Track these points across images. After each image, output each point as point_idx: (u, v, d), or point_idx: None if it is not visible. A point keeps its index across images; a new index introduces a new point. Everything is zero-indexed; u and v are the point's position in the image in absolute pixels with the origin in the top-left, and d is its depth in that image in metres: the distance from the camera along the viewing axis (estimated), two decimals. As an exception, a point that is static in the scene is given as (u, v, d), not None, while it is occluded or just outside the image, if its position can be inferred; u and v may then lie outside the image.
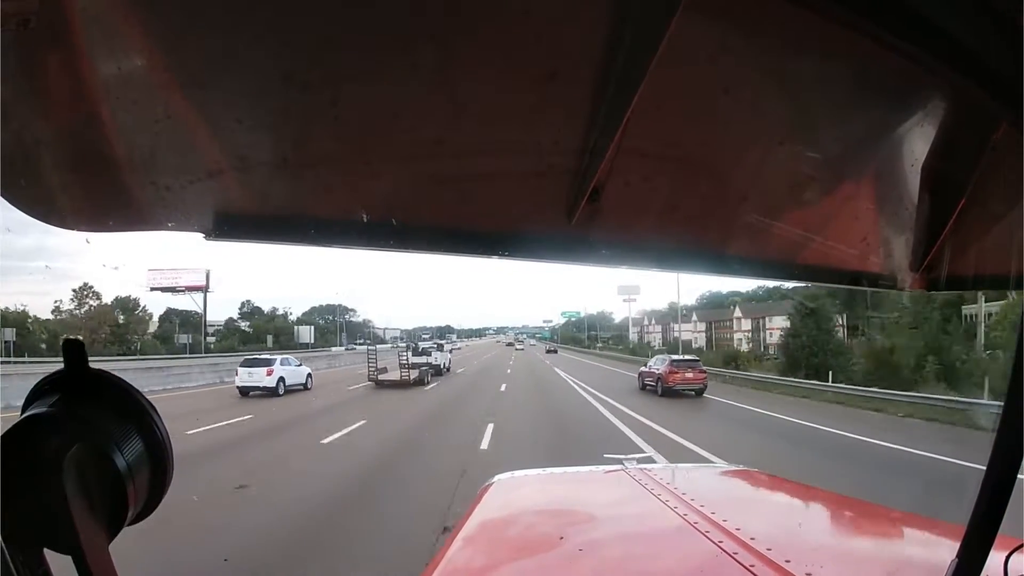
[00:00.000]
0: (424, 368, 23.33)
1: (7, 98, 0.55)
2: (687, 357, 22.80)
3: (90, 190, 0.69)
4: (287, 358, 22.72)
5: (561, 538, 1.45)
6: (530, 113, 0.67)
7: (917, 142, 0.76)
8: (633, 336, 77.32)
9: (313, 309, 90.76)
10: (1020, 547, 0.85)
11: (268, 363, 20.40)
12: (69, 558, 0.43)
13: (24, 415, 0.47)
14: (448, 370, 28.08)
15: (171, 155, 0.66)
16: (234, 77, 0.60)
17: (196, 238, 0.73)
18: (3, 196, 0.63)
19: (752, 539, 1.27)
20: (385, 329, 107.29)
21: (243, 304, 74.12)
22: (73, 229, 0.71)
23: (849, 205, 0.87)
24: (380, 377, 22.47)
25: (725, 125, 0.72)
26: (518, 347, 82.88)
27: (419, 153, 0.70)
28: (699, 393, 19.76)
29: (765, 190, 0.82)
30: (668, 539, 1.44)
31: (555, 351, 71.81)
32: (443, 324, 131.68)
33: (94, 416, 0.48)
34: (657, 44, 0.54)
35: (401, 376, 21.91)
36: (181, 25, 0.54)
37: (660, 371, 20.47)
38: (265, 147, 0.68)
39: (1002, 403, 0.66)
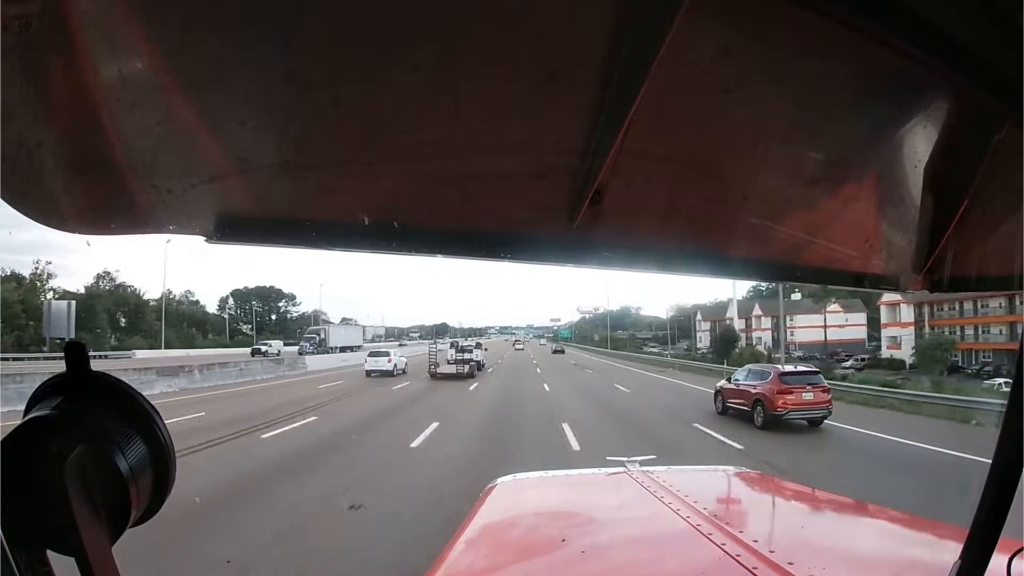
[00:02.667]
0: (472, 364, 28.12)
1: (8, 100, 0.55)
2: (803, 368, 15.24)
3: (91, 193, 0.69)
4: (396, 350, 34.32)
5: (563, 540, 1.45)
6: (531, 114, 0.67)
7: (920, 143, 0.76)
8: (702, 335, 63.16)
9: (235, 293, 72.98)
10: (1022, 550, 0.84)
11: (387, 354, 30.78)
12: (72, 560, 0.43)
13: (27, 417, 0.48)
14: (483, 366, 32.68)
15: (172, 158, 0.66)
16: (235, 80, 0.60)
17: (197, 241, 0.74)
18: (4, 198, 0.63)
19: (755, 541, 1.27)
20: (365, 327, 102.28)
21: (100, 276, 57.17)
22: (74, 232, 0.71)
23: (852, 206, 0.87)
24: (438, 371, 27.09)
25: (727, 126, 0.71)
26: (517, 347, 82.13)
27: (420, 154, 0.70)
28: (814, 424, 13.14)
29: (768, 191, 0.82)
30: (671, 542, 1.44)
31: (562, 351, 70.26)
32: (439, 322, 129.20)
33: (96, 418, 0.49)
34: (659, 45, 0.54)
35: (457, 370, 26.92)
36: (182, 27, 0.54)
37: (760, 389, 13.38)
38: (267, 149, 0.68)
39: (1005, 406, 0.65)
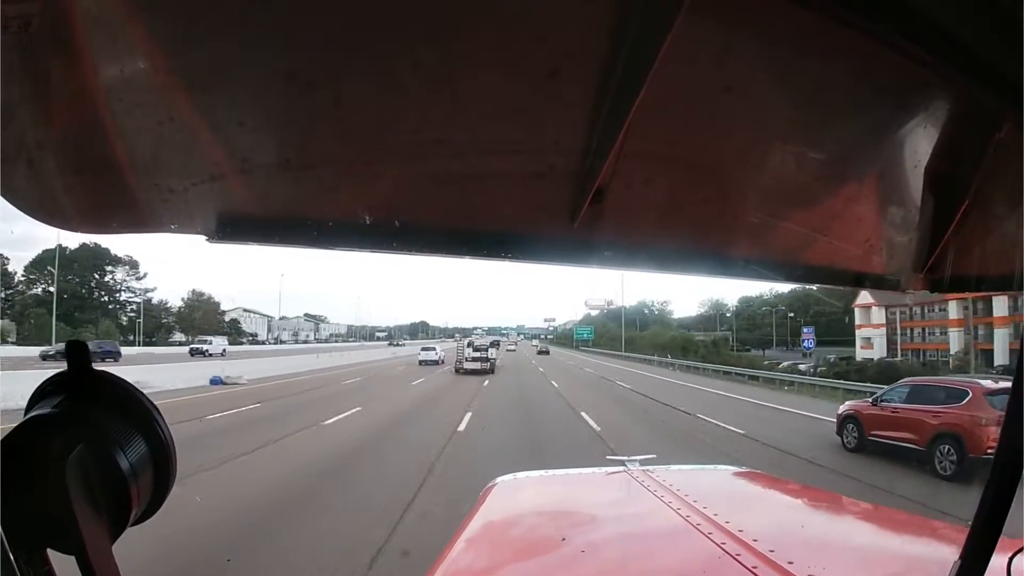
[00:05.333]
0: (492, 360, 33.95)
1: (10, 100, 0.55)
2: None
3: (93, 192, 0.69)
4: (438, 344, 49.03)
5: (563, 539, 1.45)
6: (532, 113, 0.67)
7: (920, 142, 0.76)
8: (870, 335, 38.57)
9: (49, 255, 45.07)
10: (1022, 550, 0.84)
11: (434, 349, 41.18)
12: (72, 558, 0.44)
13: (28, 416, 0.48)
14: (495, 364, 37.08)
15: (174, 157, 0.67)
16: (237, 79, 0.60)
17: (199, 240, 0.74)
18: (6, 198, 0.63)
19: (755, 540, 1.27)
20: (319, 322, 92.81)
21: None
22: (77, 231, 0.71)
23: (852, 206, 0.87)
24: (462, 367, 32.34)
25: (728, 126, 0.71)
26: (509, 347, 76.00)
27: (421, 154, 0.70)
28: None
29: (768, 191, 0.82)
30: (670, 540, 1.44)
31: (547, 351, 64.73)
32: (418, 321, 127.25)
33: (98, 417, 0.49)
34: (660, 44, 0.54)
35: (480, 366, 32.27)
36: (184, 27, 0.54)
37: (950, 417, 8.85)
38: (268, 149, 0.68)
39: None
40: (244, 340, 71.43)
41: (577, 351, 71.50)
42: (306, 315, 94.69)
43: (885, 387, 11.55)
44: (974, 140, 0.74)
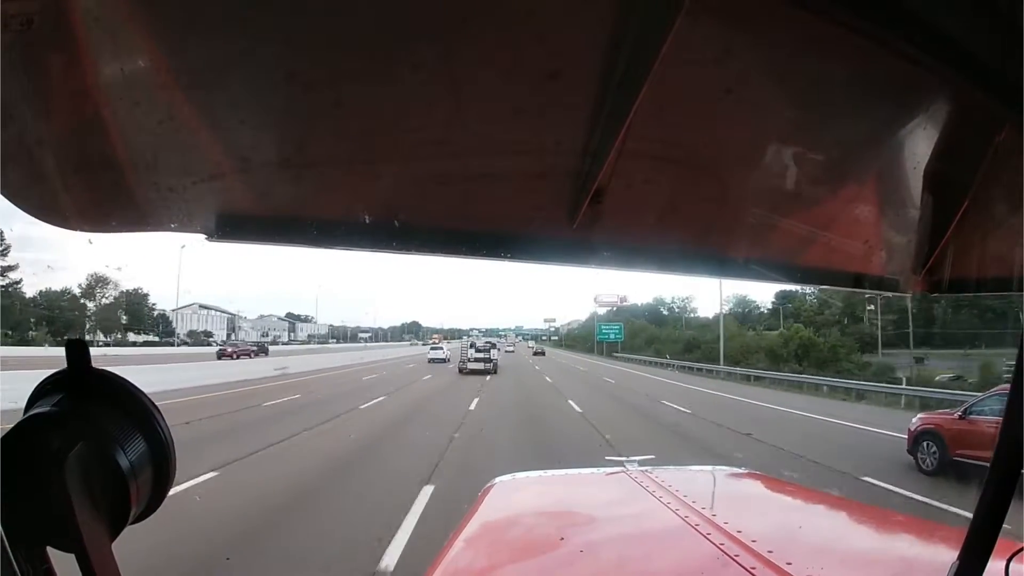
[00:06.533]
0: (494, 361, 35.27)
1: (10, 98, 0.55)
2: None
3: (93, 191, 0.69)
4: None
5: (562, 539, 1.45)
6: (532, 114, 0.67)
7: (920, 144, 0.76)
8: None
9: None
10: (1021, 551, 0.84)
11: (441, 348, 46.30)
12: (72, 556, 0.44)
13: (28, 414, 0.48)
14: (498, 365, 38.08)
15: (174, 156, 0.67)
16: (237, 78, 0.60)
17: (198, 239, 0.74)
18: (6, 196, 0.63)
19: (754, 541, 1.27)
20: (295, 322, 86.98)
21: None
22: (76, 229, 0.71)
23: (852, 207, 0.87)
24: (467, 366, 34.03)
25: (727, 127, 0.71)
26: (508, 348, 73.35)
27: (421, 154, 0.70)
28: None
29: (768, 191, 0.82)
30: (669, 541, 1.44)
31: (542, 352, 65.54)
32: (409, 321, 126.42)
33: (97, 415, 0.49)
34: (660, 45, 0.54)
35: (484, 367, 33.71)
36: (184, 25, 0.55)
37: None
38: (268, 148, 0.69)
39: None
40: (189, 341, 61.91)
41: (609, 359, 51.45)
42: (288, 314, 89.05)
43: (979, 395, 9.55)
44: (973, 142, 0.74)
